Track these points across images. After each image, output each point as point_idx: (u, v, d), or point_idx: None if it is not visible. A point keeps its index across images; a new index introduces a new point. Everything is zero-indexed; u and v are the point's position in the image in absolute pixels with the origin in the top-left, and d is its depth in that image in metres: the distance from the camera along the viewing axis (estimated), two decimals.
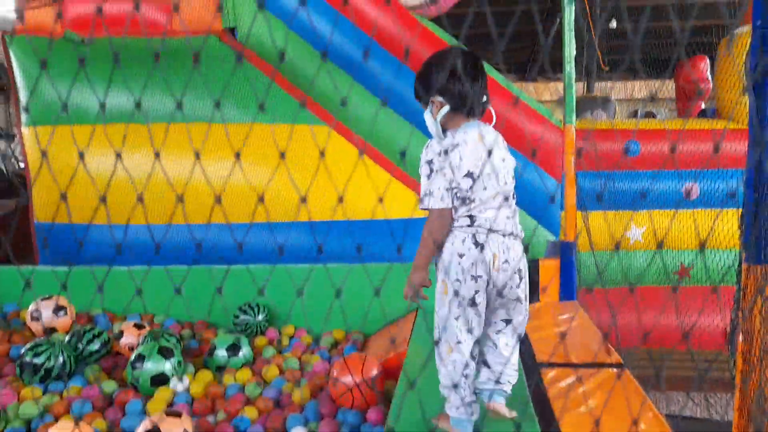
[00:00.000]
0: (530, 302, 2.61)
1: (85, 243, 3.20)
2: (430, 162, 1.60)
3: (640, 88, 8.38)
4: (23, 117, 3.16)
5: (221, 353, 2.55)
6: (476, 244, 1.56)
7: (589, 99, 6.22)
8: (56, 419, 2.17)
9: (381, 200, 3.41)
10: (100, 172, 3.18)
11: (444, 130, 1.63)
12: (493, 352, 1.67)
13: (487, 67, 3.43)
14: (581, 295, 3.16)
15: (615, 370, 2.06)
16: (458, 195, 1.56)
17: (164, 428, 1.85)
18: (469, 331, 1.58)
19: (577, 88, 7.89)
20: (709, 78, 5.29)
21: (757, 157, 1.18)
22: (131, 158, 3.21)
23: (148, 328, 2.69)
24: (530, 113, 3.76)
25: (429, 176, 1.60)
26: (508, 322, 1.66)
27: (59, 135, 3.03)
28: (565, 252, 3.02)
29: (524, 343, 2.36)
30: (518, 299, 1.63)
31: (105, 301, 2.91)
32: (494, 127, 1.67)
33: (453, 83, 1.59)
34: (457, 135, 1.60)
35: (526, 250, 1.59)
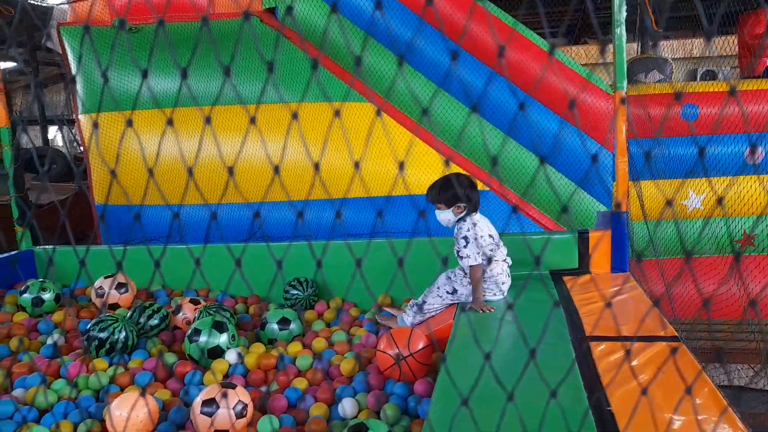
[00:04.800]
0: (578, 274, 2.62)
1: (143, 223, 3.34)
2: (465, 238, 2.40)
3: (698, 46, 7.91)
4: (79, 105, 3.30)
5: (273, 326, 2.63)
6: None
7: (643, 60, 5.92)
8: (122, 390, 2.30)
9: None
10: (152, 154, 3.30)
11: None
12: None
13: (527, 32, 3.37)
14: (634, 266, 3.06)
15: (669, 343, 2.00)
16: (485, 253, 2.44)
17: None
18: None
19: (631, 49, 7.50)
20: None
21: None
22: (182, 140, 3.30)
23: (203, 303, 2.80)
24: (573, 77, 3.63)
25: (466, 246, 2.38)
26: None
27: (113, 120, 3.14)
28: (616, 223, 2.93)
29: (573, 316, 2.32)
30: None
31: (164, 278, 3.03)
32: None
33: (470, 195, 2.42)
34: (472, 219, 2.43)
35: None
